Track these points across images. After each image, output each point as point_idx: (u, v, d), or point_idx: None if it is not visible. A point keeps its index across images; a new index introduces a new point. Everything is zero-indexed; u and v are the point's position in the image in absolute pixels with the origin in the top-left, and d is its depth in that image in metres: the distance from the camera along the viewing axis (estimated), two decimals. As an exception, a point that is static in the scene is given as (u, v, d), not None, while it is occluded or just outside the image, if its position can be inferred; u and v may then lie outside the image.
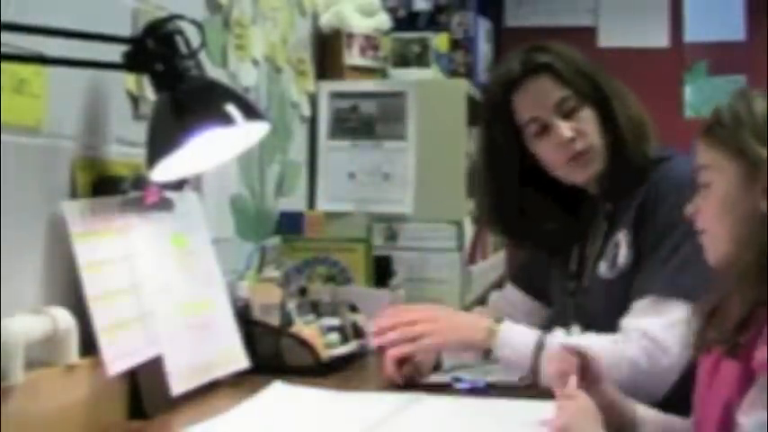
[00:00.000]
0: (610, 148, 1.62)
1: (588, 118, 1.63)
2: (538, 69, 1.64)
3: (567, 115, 1.63)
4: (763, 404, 1.07)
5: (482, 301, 2.00)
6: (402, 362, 1.58)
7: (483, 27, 3.26)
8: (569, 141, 1.61)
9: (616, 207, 1.64)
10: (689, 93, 4.24)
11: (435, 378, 1.65)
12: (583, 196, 1.71)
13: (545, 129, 1.64)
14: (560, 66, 1.63)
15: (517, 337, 1.55)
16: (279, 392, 1.54)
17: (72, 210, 1.34)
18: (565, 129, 1.61)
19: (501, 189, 1.72)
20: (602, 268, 1.62)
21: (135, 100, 1.58)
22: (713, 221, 1.22)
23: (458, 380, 1.61)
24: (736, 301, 1.15)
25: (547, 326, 1.80)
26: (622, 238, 1.59)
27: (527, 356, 1.51)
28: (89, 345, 1.31)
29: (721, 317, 1.17)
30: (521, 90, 1.65)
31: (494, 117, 1.69)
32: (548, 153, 1.65)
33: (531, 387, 1.53)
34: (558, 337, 1.53)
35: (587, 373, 1.28)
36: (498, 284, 2.14)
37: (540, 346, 1.52)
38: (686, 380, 1.34)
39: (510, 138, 1.67)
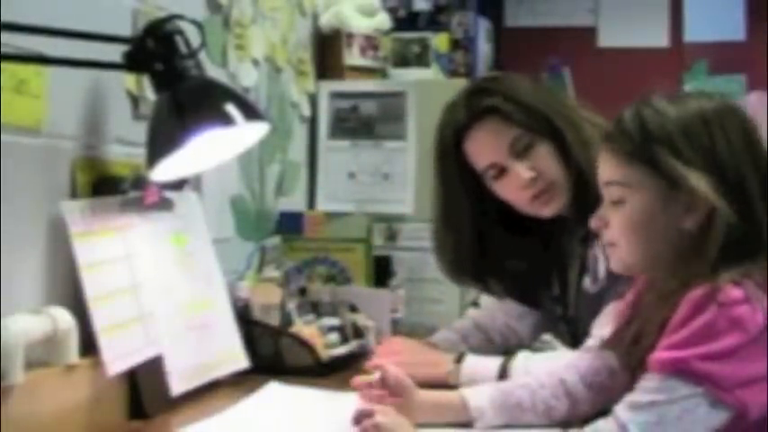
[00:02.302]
0: (572, 179, 1.56)
1: (544, 153, 1.57)
2: (483, 114, 1.58)
3: (523, 154, 1.57)
4: (649, 404, 1.08)
5: (476, 303, 1.99)
6: None
7: (483, 27, 3.27)
8: (530, 181, 1.57)
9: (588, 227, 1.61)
10: (689, 93, 4.24)
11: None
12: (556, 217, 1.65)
13: (503, 171, 1.59)
14: (506, 106, 1.56)
15: (480, 370, 1.55)
16: (274, 392, 1.54)
17: (72, 210, 1.34)
18: (523, 170, 1.56)
19: (462, 235, 1.66)
20: (587, 283, 1.61)
21: (135, 100, 1.58)
22: (626, 237, 1.20)
23: None
24: (650, 323, 1.16)
25: (536, 332, 1.81)
26: (599, 251, 1.57)
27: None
28: (89, 345, 1.31)
29: (640, 340, 1.18)
30: (470, 137, 1.59)
31: (446, 165, 1.64)
32: (511, 194, 1.61)
33: None
34: (520, 360, 1.53)
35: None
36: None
37: (502, 375, 1.51)
38: None
39: (467, 183, 1.63)
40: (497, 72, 1.61)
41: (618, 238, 1.21)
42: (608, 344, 1.31)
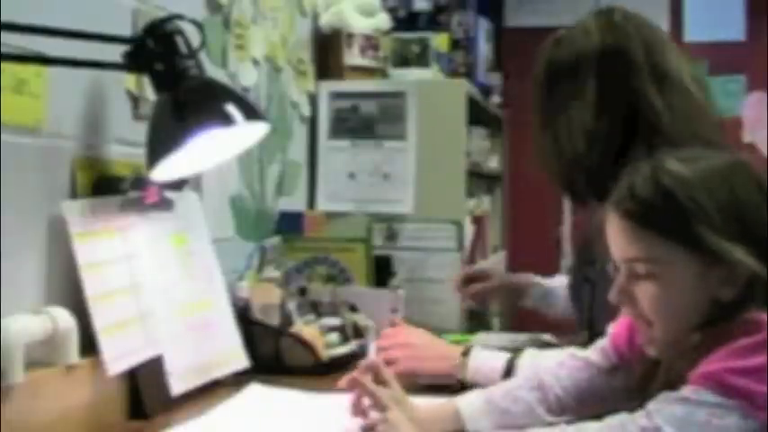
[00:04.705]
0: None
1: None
2: None
3: None
4: (681, 400, 1.06)
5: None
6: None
7: (483, 27, 3.26)
8: None
9: None
10: (689, 93, 4.24)
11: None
12: None
13: None
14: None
15: (486, 365, 1.54)
16: (255, 394, 1.54)
17: (72, 210, 1.34)
18: None
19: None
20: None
21: (135, 100, 1.58)
22: (660, 315, 1.14)
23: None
24: (677, 376, 1.12)
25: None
26: None
27: (497, 382, 1.46)
28: (89, 345, 1.31)
29: (659, 384, 1.16)
30: None
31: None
32: None
33: None
34: (526, 358, 1.51)
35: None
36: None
37: (508, 371, 1.50)
38: None
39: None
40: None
41: (650, 316, 1.15)
42: (622, 386, 1.28)
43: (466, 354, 1.57)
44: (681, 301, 1.12)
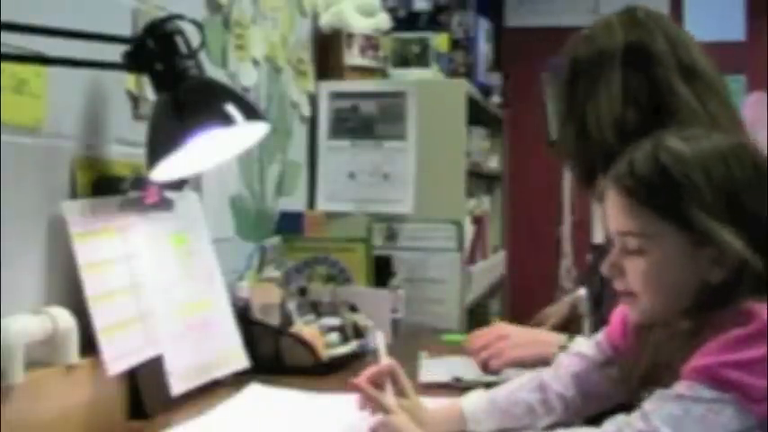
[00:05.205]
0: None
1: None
2: None
3: None
4: (676, 397, 1.05)
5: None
6: None
7: (483, 27, 3.26)
8: None
9: None
10: (689, 93, 4.24)
11: (435, 377, 1.65)
12: None
13: None
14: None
15: None
16: (255, 394, 1.54)
17: (72, 210, 1.34)
18: None
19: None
20: None
21: (135, 100, 1.58)
22: (647, 290, 1.14)
23: (458, 380, 1.61)
24: (664, 363, 1.13)
25: None
26: None
27: None
28: (89, 345, 1.31)
29: (652, 379, 1.15)
30: None
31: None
32: None
33: None
34: None
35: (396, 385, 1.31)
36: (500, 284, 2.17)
37: None
38: None
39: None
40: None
41: (637, 290, 1.16)
42: (617, 378, 1.28)
43: (570, 339, 1.57)
44: (668, 279, 1.13)
